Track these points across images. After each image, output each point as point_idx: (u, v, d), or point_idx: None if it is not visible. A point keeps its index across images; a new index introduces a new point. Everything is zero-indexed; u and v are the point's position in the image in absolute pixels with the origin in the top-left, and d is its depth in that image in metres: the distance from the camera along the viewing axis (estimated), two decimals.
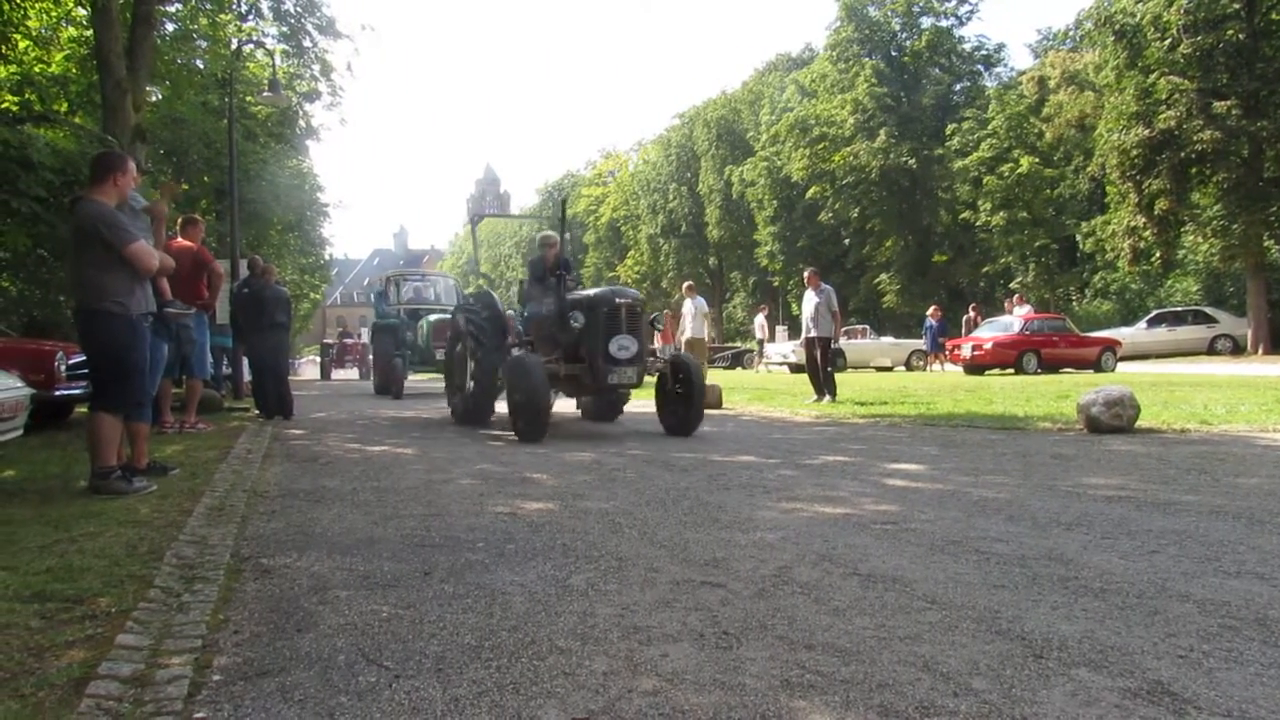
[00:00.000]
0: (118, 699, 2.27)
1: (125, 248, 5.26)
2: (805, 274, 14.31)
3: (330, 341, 40.39)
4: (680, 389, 9.30)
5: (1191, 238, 31.34)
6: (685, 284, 19.24)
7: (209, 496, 5.18)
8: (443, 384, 14.01)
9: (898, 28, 46.71)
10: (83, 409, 9.23)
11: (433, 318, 17.95)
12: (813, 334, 13.51)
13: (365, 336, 38.29)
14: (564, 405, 12.26)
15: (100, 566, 3.51)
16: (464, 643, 2.70)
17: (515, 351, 9.59)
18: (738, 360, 35.69)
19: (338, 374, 36.89)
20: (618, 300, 9.04)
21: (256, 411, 11.64)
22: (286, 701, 2.29)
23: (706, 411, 13.68)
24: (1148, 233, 30.20)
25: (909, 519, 4.58)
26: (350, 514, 4.79)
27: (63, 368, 8.81)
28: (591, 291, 9.55)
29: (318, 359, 75.25)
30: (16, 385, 7.49)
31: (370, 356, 37.13)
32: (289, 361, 12.77)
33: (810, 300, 13.62)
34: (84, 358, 7.87)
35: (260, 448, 7.81)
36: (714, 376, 17.92)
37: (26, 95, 16.35)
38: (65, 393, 8.95)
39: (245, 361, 14.72)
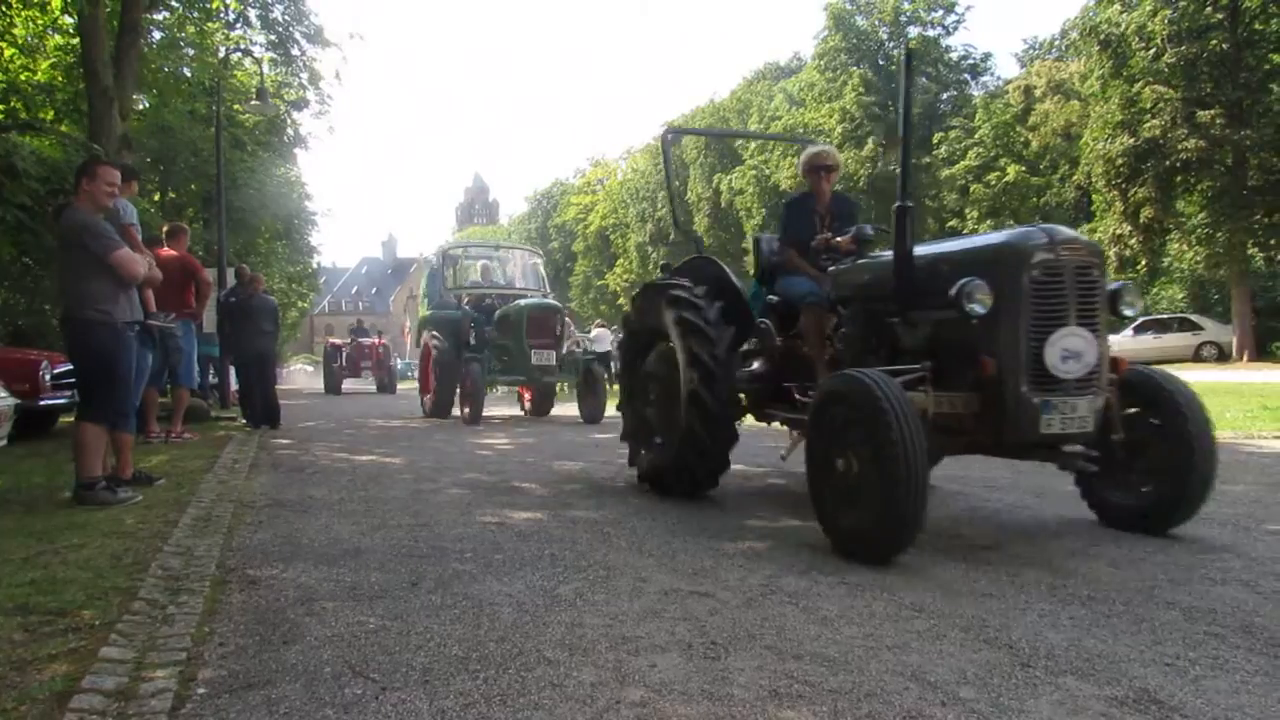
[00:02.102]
0: (101, 713, 2.25)
1: (109, 256, 5.23)
2: None
3: (338, 342, 29.27)
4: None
5: (1176, 245, 31.54)
6: None
7: (195, 507, 5.15)
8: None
9: (885, 37, 46.93)
10: (68, 419, 9.18)
11: (525, 302, 12.97)
12: None
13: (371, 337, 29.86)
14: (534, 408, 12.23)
15: (84, 578, 3.49)
16: (451, 654, 2.69)
17: (755, 366, 5.86)
18: None
19: (351, 385, 29.13)
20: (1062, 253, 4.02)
21: (243, 421, 11.58)
22: (272, 714, 2.27)
23: None
24: (1133, 241, 30.41)
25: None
26: (337, 524, 4.77)
27: (47, 377, 8.75)
28: (956, 245, 4.79)
29: (310, 368, 73.37)
30: (1, 395, 7.44)
31: (395, 362, 30.01)
32: (276, 370, 12.64)
33: None
34: (69, 367, 7.85)
35: (247, 457, 7.77)
36: None
37: (12, 103, 16.26)
38: (50, 402, 8.89)
39: (232, 371, 14.65)
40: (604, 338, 23.38)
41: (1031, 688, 2.42)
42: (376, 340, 29.23)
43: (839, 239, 5.47)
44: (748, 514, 5.03)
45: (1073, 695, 2.37)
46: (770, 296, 5.90)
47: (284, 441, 9.71)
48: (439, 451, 8.57)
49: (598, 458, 7.92)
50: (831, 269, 5.29)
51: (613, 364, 18.78)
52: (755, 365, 5.95)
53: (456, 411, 13.12)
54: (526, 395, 15.03)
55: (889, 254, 4.63)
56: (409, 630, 2.92)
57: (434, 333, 13.43)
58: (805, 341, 5.42)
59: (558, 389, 16.39)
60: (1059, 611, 3.11)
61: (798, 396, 5.35)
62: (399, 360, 35.15)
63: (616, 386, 7.90)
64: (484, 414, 12.52)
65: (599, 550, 4.10)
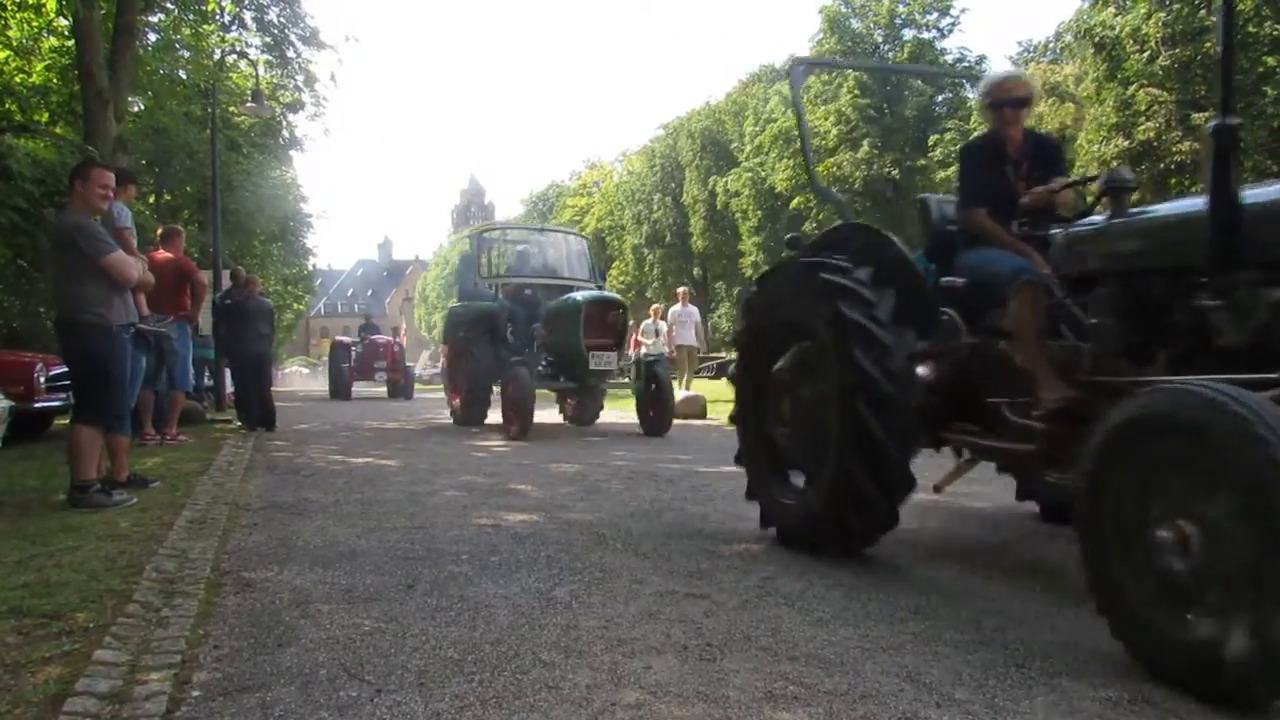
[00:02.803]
0: (95, 716, 2.24)
1: (102, 259, 5.22)
2: None
3: (347, 341, 25.88)
4: None
5: None
6: (681, 289, 19.18)
7: (189, 509, 5.13)
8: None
9: (880, 40, 46.96)
10: (62, 421, 9.16)
11: (582, 295, 10.70)
12: None
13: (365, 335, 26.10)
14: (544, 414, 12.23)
15: (78, 581, 3.48)
16: (447, 656, 2.69)
17: (928, 370, 4.18)
18: (722, 371, 35.73)
19: (362, 388, 25.73)
20: None
21: (239, 423, 11.56)
22: (267, 717, 2.27)
23: (690, 422, 13.70)
24: None
25: (892, 529, 4.58)
26: (333, 526, 4.76)
27: (42, 380, 8.73)
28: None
29: (306, 370, 72.73)
30: None
31: (413, 365, 27.70)
32: (271, 373, 12.53)
33: None
34: (63, 369, 7.83)
35: (242, 460, 7.76)
36: (699, 387, 17.94)
37: (7, 105, 16.24)
38: (44, 405, 8.86)
39: (227, 373, 14.62)
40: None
41: (1027, 689, 2.42)
42: (391, 338, 26.12)
43: (1062, 187, 3.99)
44: (743, 516, 5.03)
45: (1068, 696, 2.37)
46: (948, 278, 4.21)
47: (279, 444, 9.69)
48: (435, 454, 8.57)
49: (593, 460, 7.92)
50: (1060, 232, 3.73)
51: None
52: (928, 369, 4.20)
53: (493, 418, 11.32)
54: (568, 398, 12.60)
55: (1183, 203, 3.32)
56: (404, 633, 2.91)
57: (465, 329, 11.56)
58: (1016, 337, 3.73)
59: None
60: (1054, 613, 3.11)
61: (1010, 415, 3.73)
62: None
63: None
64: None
65: (595, 553, 4.10)
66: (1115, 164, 29.06)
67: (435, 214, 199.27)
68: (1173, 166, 28.02)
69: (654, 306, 20.04)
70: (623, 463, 7.66)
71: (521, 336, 11.08)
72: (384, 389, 25.28)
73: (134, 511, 5.10)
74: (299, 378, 59.17)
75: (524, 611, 3.15)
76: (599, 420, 12.26)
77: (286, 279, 35.26)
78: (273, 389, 12.11)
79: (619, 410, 13.67)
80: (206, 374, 15.32)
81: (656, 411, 10.56)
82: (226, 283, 13.77)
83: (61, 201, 5.58)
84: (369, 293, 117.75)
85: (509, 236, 13.89)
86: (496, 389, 11.21)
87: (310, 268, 39.96)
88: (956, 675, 2.52)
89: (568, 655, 2.69)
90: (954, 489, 5.83)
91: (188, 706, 2.34)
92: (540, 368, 10.72)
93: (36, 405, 8.68)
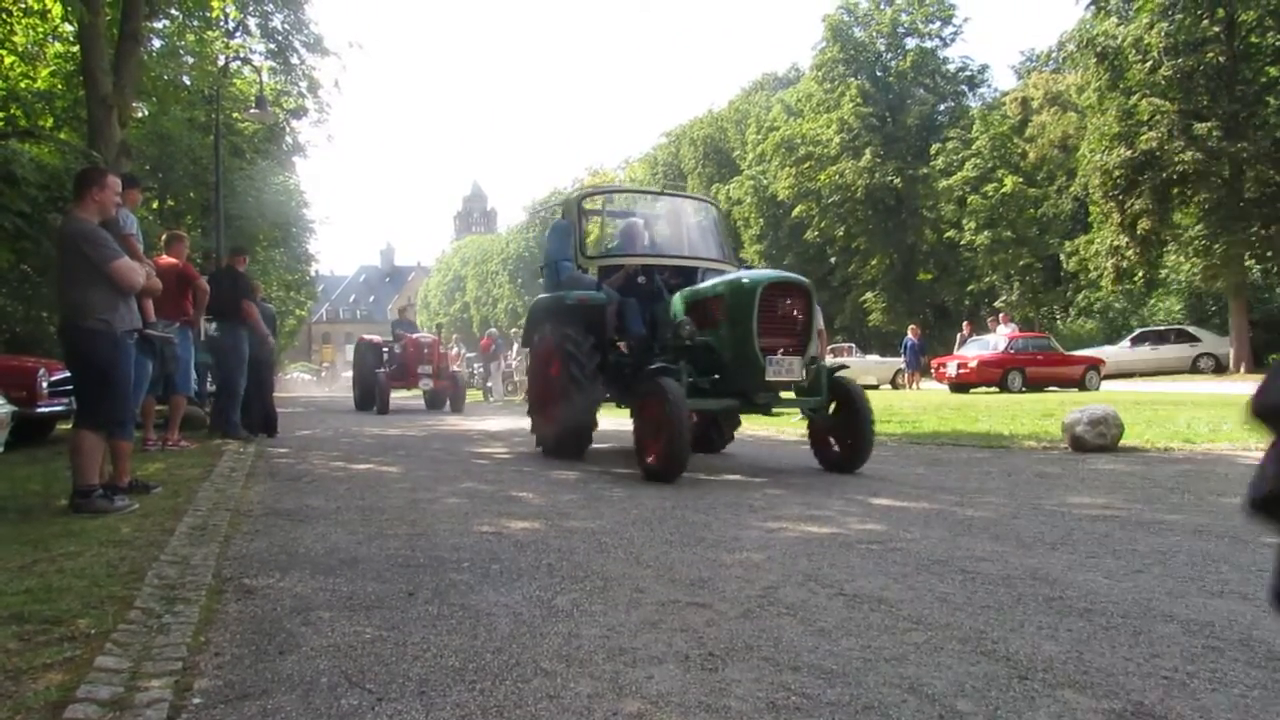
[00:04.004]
0: None
1: (107, 265, 5.23)
2: None
3: (378, 340, 21.82)
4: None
5: (1174, 257, 31.60)
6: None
7: (191, 515, 5.14)
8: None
9: (883, 48, 47.04)
10: (64, 426, 9.17)
11: (751, 277, 7.63)
12: None
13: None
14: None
15: (80, 587, 3.47)
16: (448, 665, 2.68)
17: None
18: None
19: (402, 397, 22.71)
20: None
21: (243, 434, 11.55)
22: None
23: None
24: (1130, 252, 30.45)
25: (895, 538, 4.58)
26: (334, 533, 4.76)
27: (45, 385, 8.75)
28: None
29: (308, 375, 72.10)
30: None
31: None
32: (273, 379, 12.45)
33: None
34: (66, 374, 7.84)
35: (244, 466, 7.76)
36: None
37: (11, 110, 16.30)
38: (47, 410, 8.88)
39: None
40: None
41: (1029, 700, 2.42)
42: (435, 335, 21.03)
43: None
44: (745, 524, 5.03)
45: (1071, 708, 2.37)
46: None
47: (281, 450, 9.69)
48: (436, 461, 8.56)
49: (595, 467, 7.91)
50: None
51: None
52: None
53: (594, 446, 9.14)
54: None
55: None
56: (405, 640, 2.91)
57: (558, 328, 8.45)
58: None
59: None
60: (1057, 624, 3.10)
61: None
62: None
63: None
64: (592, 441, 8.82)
65: (596, 561, 4.10)
66: (1118, 173, 29.10)
67: (437, 220, 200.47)
68: (1175, 176, 28.02)
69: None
70: (624, 470, 7.65)
71: (636, 337, 8.55)
72: (419, 396, 21.49)
73: (135, 517, 5.10)
74: (300, 384, 59.18)
75: (525, 620, 3.14)
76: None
77: (288, 284, 35.33)
78: (274, 394, 12.08)
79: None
80: (208, 379, 15.33)
81: (854, 439, 7.39)
82: None
83: (66, 207, 5.58)
84: (370, 298, 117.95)
85: (615, 203, 11.18)
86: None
87: (312, 273, 40.03)
88: (959, 686, 2.51)
89: (569, 664, 2.69)
90: (955, 498, 5.82)
91: (189, 714, 2.34)
92: (690, 378, 7.33)
93: (39, 410, 8.70)
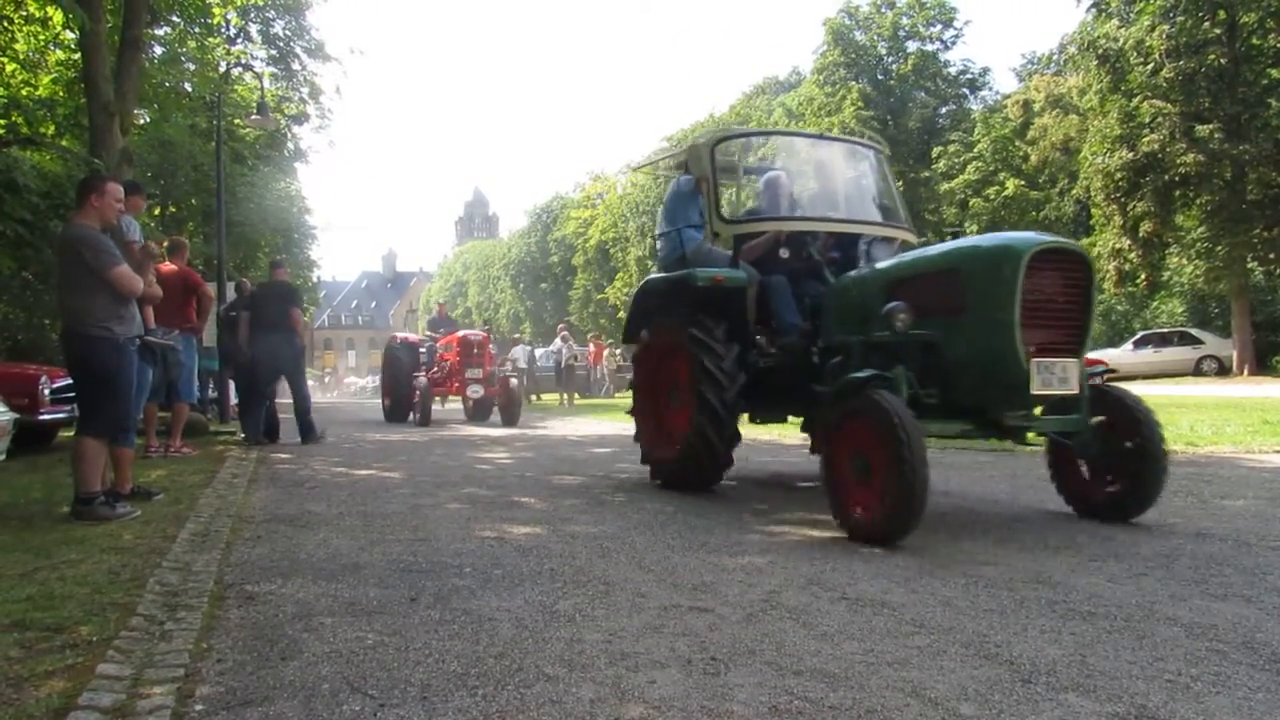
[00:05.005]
0: None
1: (108, 271, 5.23)
2: None
3: (414, 338, 18.80)
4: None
5: (1176, 260, 31.60)
6: None
7: (193, 522, 5.14)
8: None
9: (884, 52, 47.06)
10: (66, 433, 9.17)
11: (1016, 240, 5.01)
12: None
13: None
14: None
15: (82, 594, 3.47)
16: (450, 670, 2.68)
17: None
18: None
19: (445, 407, 20.04)
20: None
21: (242, 435, 11.57)
22: None
23: None
24: (1133, 255, 30.46)
25: (896, 543, 4.57)
26: (336, 539, 4.76)
27: (46, 392, 8.75)
28: None
29: (311, 381, 71.84)
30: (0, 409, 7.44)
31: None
32: (275, 384, 12.39)
33: None
34: (68, 382, 7.85)
35: (245, 472, 7.76)
36: None
37: (13, 118, 16.33)
38: (49, 417, 8.88)
39: (231, 385, 14.64)
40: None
41: (1032, 704, 2.41)
42: (485, 333, 17.64)
43: None
44: (748, 528, 5.02)
45: (1074, 712, 2.36)
46: None
47: (283, 456, 9.69)
48: (438, 466, 8.56)
49: (597, 472, 7.91)
50: None
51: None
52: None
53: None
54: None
55: None
56: (407, 646, 2.90)
57: (678, 318, 6.49)
58: None
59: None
60: (1060, 627, 3.10)
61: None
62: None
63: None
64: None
65: (598, 565, 4.09)
66: (1119, 175, 29.10)
67: (439, 226, 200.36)
68: (1177, 178, 28.02)
69: None
70: (626, 475, 7.65)
71: (790, 330, 6.41)
72: (458, 404, 18.37)
73: (137, 524, 5.10)
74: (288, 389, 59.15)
75: (527, 625, 3.14)
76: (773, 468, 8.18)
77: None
78: (276, 400, 12.09)
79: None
80: (210, 386, 15.36)
81: (1136, 474, 5.13)
82: (231, 294, 13.82)
83: (69, 214, 5.59)
84: (373, 304, 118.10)
85: (751, 148, 8.87)
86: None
87: (314, 279, 40.10)
88: (962, 690, 2.51)
89: (571, 669, 2.68)
90: (957, 501, 5.81)
91: None
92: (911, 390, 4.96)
93: (41, 417, 8.71)
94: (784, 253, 6.64)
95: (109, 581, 3.70)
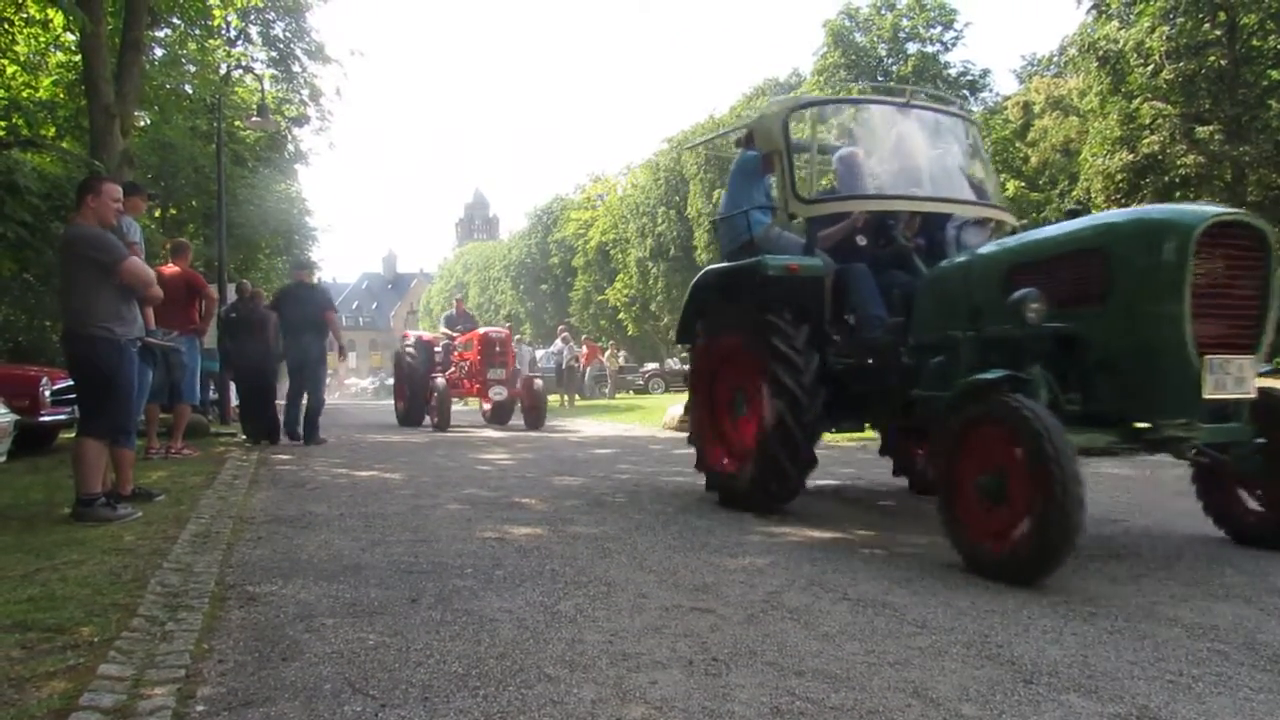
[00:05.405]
0: None
1: (119, 266, 5.23)
2: None
3: (427, 336, 17.63)
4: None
5: None
6: None
7: (194, 523, 5.13)
8: None
9: (884, 53, 47.10)
10: (67, 435, 9.17)
11: (1119, 217, 4.66)
12: None
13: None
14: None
15: (83, 595, 3.47)
16: (451, 671, 2.68)
17: None
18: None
19: (463, 408, 19.26)
20: None
21: (243, 436, 11.57)
22: None
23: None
24: None
25: (898, 543, 4.58)
26: (337, 540, 4.76)
27: (47, 393, 8.75)
28: None
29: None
30: (0, 411, 7.43)
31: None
32: (276, 386, 12.31)
33: None
34: (69, 383, 7.84)
35: (246, 473, 7.76)
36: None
37: (14, 120, 16.32)
38: (50, 418, 8.87)
39: (232, 386, 14.64)
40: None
41: (1034, 705, 2.41)
42: (507, 330, 16.64)
43: None
44: (749, 529, 5.02)
45: (1075, 712, 2.36)
46: None
47: (284, 457, 9.69)
48: (439, 467, 8.56)
49: (597, 473, 7.91)
50: None
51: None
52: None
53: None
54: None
55: None
56: (409, 647, 2.90)
57: (764, 313, 5.50)
58: None
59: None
60: (1061, 628, 3.10)
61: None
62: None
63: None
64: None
65: (599, 566, 4.09)
66: (1120, 177, 29.14)
67: (439, 227, 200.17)
68: (1177, 180, 28.03)
69: None
70: (627, 476, 7.65)
71: (874, 325, 5.60)
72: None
73: (138, 525, 5.10)
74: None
75: (528, 625, 3.14)
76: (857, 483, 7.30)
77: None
78: (277, 402, 12.08)
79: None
80: (211, 387, 15.35)
81: None
82: (231, 296, 13.83)
83: (69, 215, 5.59)
84: (373, 305, 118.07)
85: (827, 118, 7.78)
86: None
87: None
88: (963, 690, 2.51)
89: (572, 670, 2.68)
90: None
91: None
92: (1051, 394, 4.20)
93: (42, 419, 8.70)
94: (861, 239, 5.92)
95: (110, 582, 3.70)
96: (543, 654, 2.83)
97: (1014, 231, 5.79)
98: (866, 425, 6.24)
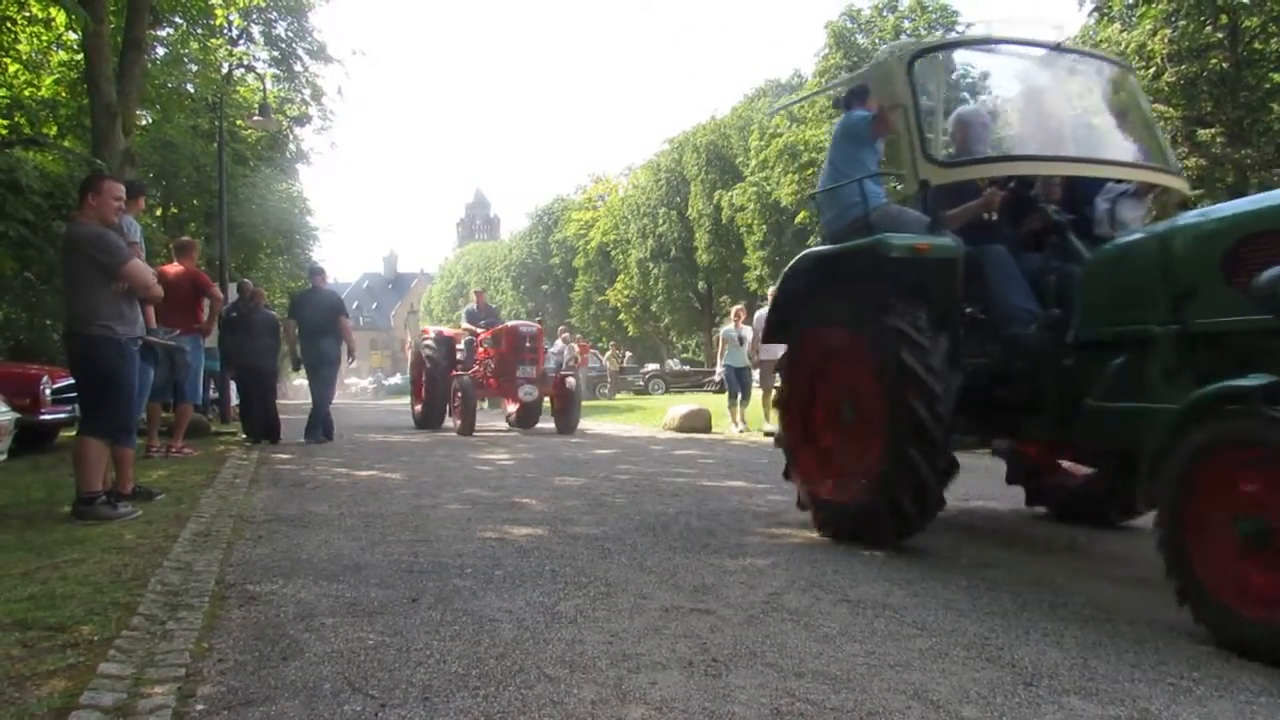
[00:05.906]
0: None
1: (121, 267, 5.24)
2: None
3: (448, 332, 16.17)
4: None
5: None
6: (736, 308, 14.92)
7: (194, 522, 5.13)
8: None
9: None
10: (68, 433, 9.17)
11: None
12: None
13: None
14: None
15: (83, 594, 3.47)
16: (451, 671, 2.68)
17: None
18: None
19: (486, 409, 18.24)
20: None
21: (244, 436, 11.57)
22: None
23: (695, 436, 13.66)
24: None
25: (899, 544, 4.57)
26: (337, 539, 4.75)
27: (48, 392, 8.75)
28: None
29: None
30: (1, 409, 7.43)
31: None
32: (276, 385, 12.27)
33: None
34: (69, 382, 7.84)
35: (247, 472, 7.76)
36: (704, 401, 17.95)
37: (16, 119, 16.35)
38: (50, 417, 8.87)
39: (233, 385, 14.64)
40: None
41: (1035, 707, 2.41)
42: (538, 325, 14.83)
43: None
44: (749, 530, 5.02)
45: (1076, 715, 2.36)
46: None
47: (284, 456, 9.69)
48: (440, 467, 8.56)
49: (598, 474, 7.90)
50: None
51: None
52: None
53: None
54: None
55: None
56: (409, 647, 2.90)
57: (886, 305, 4.47)
58: None
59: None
60: (1062, 630, 3.09)
61: None
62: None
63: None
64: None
65: (600, 567, 4.09)
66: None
67: (440, 227, 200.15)
68: None
69: (736, 309, 14.82)
70: (627, 477, 7.65)
71: (1018, 318, 4.58)
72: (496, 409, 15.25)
73: (139, 524, 5.10)
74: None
75: (528, 626, 3.14)
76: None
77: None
78: (278, 401, 12.09)
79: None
80: (211, 386, 15.35)
81: None
82: (233, 295, 13.82)
83: (71, 214, 5.59)
84: (374, 305, 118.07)
85: (952, 67, 5.71)
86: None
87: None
88: (964, 692, 2.50)
89: (572, 670, 2.68)
90: (960, 505, 5.80)
91: None
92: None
93: (42, 417, 8.70)
94: (992, 216, 4.85)
95: (110, 581, 3.70)
96: (543, 654, 2.83)
97: (1185, 205, 4.70)
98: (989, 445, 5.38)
